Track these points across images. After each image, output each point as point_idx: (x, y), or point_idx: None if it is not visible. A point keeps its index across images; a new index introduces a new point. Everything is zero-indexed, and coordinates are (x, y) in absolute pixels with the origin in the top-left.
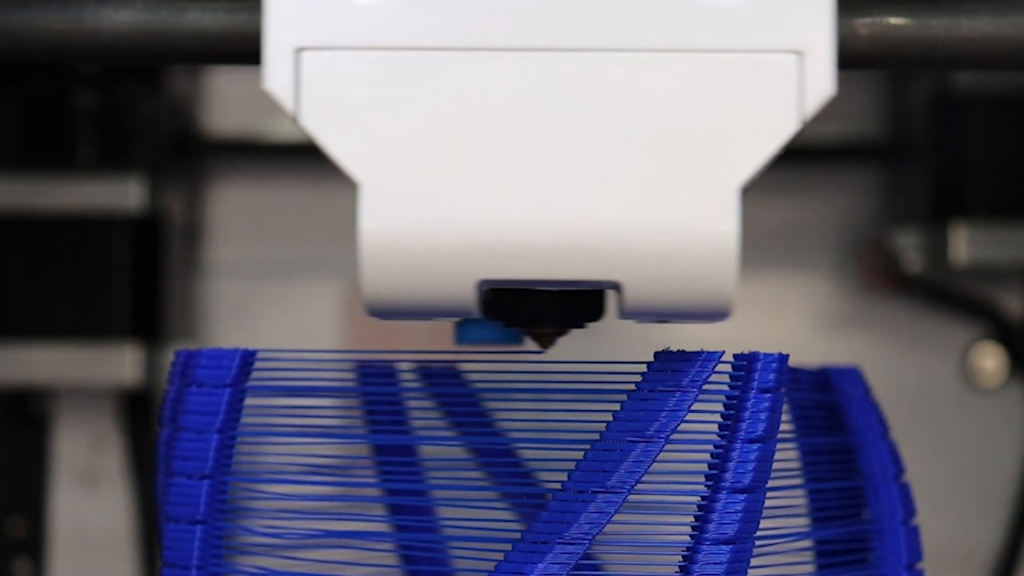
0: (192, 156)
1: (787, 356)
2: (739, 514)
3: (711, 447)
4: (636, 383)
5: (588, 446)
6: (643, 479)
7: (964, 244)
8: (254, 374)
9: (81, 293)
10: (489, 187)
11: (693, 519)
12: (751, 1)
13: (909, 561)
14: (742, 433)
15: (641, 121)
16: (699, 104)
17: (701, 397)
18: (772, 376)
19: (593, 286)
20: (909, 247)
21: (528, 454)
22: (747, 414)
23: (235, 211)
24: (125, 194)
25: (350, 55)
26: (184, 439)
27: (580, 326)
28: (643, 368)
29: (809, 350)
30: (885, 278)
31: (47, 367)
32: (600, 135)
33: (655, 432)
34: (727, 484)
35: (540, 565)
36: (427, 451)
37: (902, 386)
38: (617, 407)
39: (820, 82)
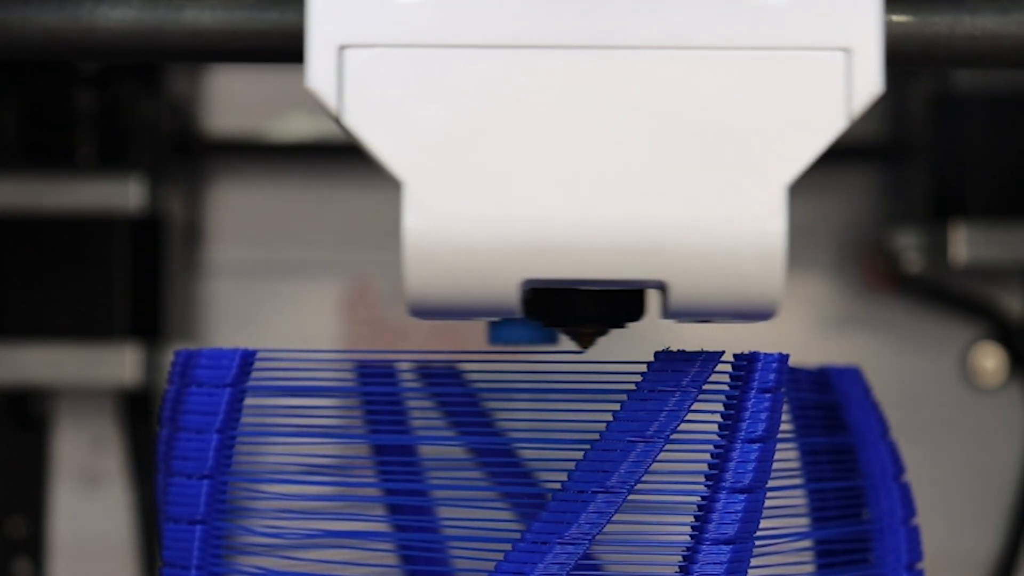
0: (192, 156)
1: (787, 356)
2: (739, 514)
3: (711, 447)
4: (636, 383)
5: (588, 446)
6: (643, 479)
7: (964, 244)
8: (254, 374)
9: (81, 293)
10: (534, 186)
11: (693, 519)
12: None
13: (909, 561)
14: (742, 433)
15: (688, 119)
16: (746, 102)
17: (701, 397)
18: (772, 376)
19: (638, 286)
20: (909, 247)
21: (528, 454)
22: (747, 414)
23: (235, 211)
24: (125, 194)
25: (394, 52)
26: (184, 439)
27: (620, 326)
28: (643, 368)
29: (809, 350)
30: (885, 278)
31: (47, 367)
32: (646, 133)
33: (655, 432)
34: (727, 484)
35: (540, 565)
36: (427, 451)
37: (902, 386)
38: (617, 407)
39: (868, 80)
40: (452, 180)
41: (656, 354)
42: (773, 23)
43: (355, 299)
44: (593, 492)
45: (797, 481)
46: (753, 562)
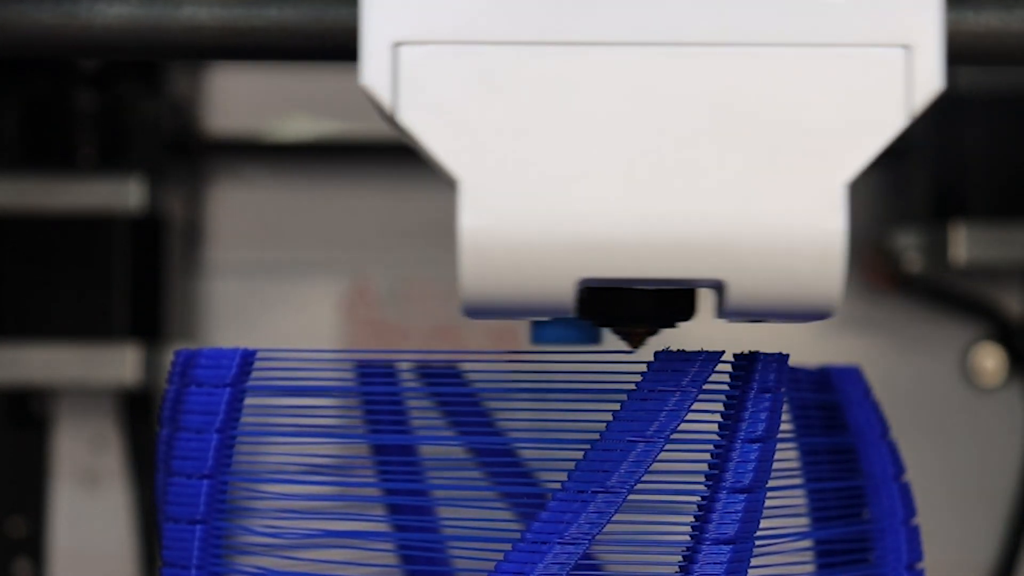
0: (192, 156)
1: (787, 356)
2: (739, 514)
3: (711, 447)
4: (636, 383)
5: (588, 446)
6: (643, 479)
7: (964, 244)
8: (254, 374)
9: (81, 293)
10: (592, 184)
11: (693, 519)
12: None
13: (909, 561)
14: (742, 433)
15: (747, 116)
16: (805, 99)
17: (701, 397)
18: (772, 376)
19: (695, 285)
20: (909, 247)
21: (528, 454)
22: (747, 414)
23: (235, 211)
24: (125, 194)
25: (450, 49)
26: (184, 439)
27: (672, 326)
28: (643, 368)
29: (809, 350)
30: (885, 278)
31: (47, 367)
32: (704, 131)
33: (655, 432)
34: (727, 484)
35: (540, 565)
36: (427, 451)
37: (902, 386)
38: (617, 407)
39: (928, 77)
40: (508, 178)
41: (656, 354)
42: (833, 20)
43: (355, 299)
44: (593, 492)
45: (797, 481)
46: (753, 562)
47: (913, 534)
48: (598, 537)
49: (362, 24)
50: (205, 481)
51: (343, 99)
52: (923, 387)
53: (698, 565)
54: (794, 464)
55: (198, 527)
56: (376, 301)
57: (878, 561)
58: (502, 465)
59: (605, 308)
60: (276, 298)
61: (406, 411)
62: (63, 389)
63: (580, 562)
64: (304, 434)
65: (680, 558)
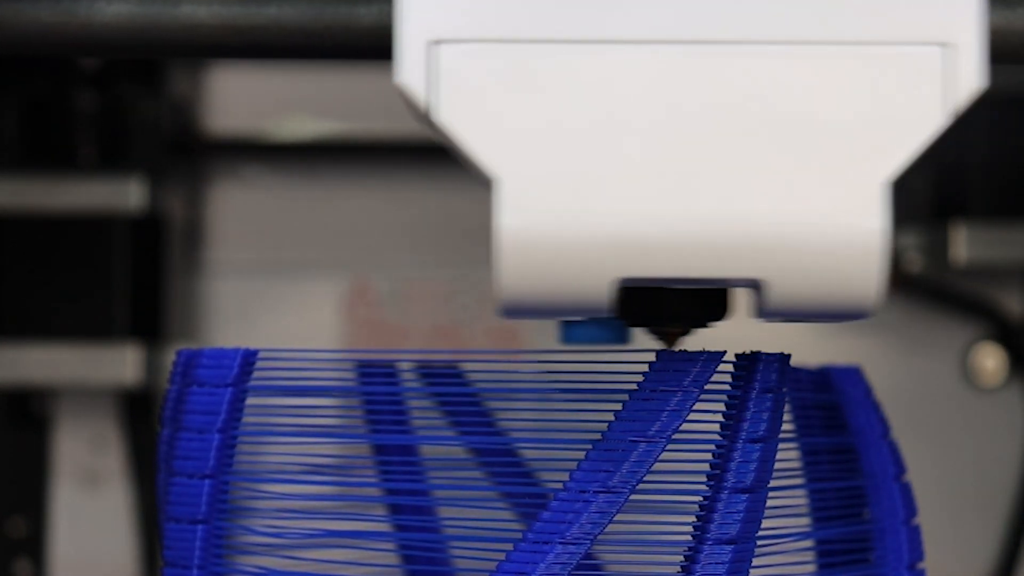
0: (192, 156)
1: (788, 356)
2: (741, 514)
3: (713, 447)
4: (638, 382)
5: (590, 446)
6: (645, 479)
7: (964, 244)
8: (255, 374)
9: (81, 293)
10: (630, 183)
11: (695, 519)
12: None
13: (910, 561)
14: (744, 433)
15: (785, 115)
16: (843, 98)
17: (703, 397)
18: (774, 376)
19: (734, 284)
20: (909, 247)
21: (529, 454)
22: (749, 414)
23: (235, 211)
24: (125, 194)
25: (487, 48)
26: (185, 439)
27: (706, 326)
28: (645, 368)
29: (809, 350)
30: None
31: (47, 367)
32: (743, 129)
33: (657, 432)
34: (729, 484)
35: (541, 565)
36: (428, 451)
37: (902, 386)
38: (619, 407)
39: (969, 75)
40: (546, 177)
41: (658, 354)
42: (870, 18)
43: (355, 299)
44: (595, 492)
45: (798, 481)
46: (755, 562)
47: (914, 534)
48: (600, 537)
49: (398, 22)
50: (207, 481)
51: (343, 99)
52: (923, 387)
53: (700, 565)
54: (795, 464)
55: (199, 527)
56: (376, 301)
57: (879, 561)
58: (503, 465)
59: (640, 308)
60: (276, 298)
61: (407, 411)
62: (63, 389)
63: (582, 562)
64: (305, 434)
65: (682, 558)
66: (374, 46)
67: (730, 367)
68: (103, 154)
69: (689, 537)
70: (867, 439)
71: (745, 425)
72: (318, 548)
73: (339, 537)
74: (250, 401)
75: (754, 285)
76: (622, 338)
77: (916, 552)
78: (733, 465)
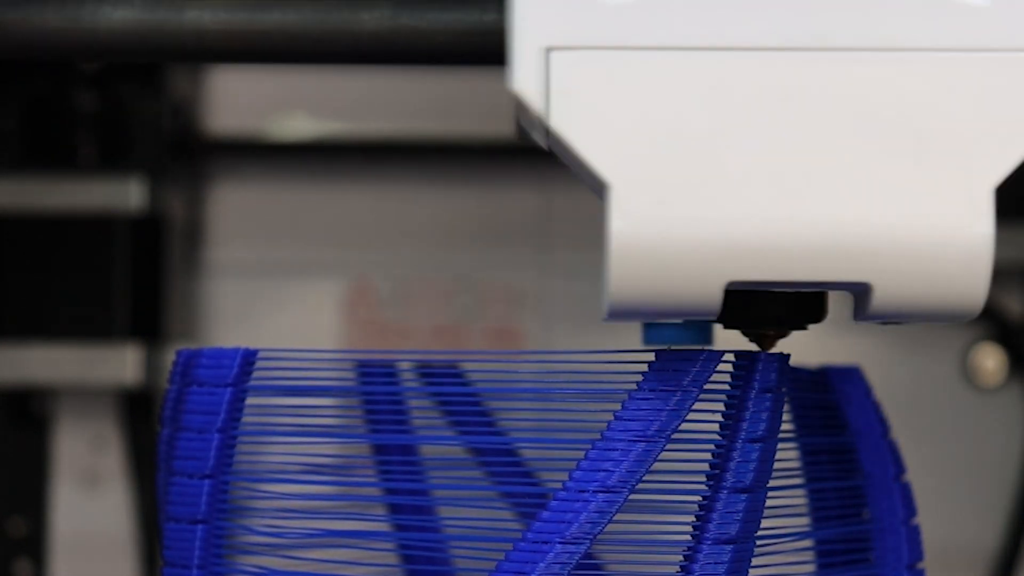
0: (192, 156)
1: (788, 356)
2: (740, 514)
3: (712, 447)
4: (638, 382)
5: (589, 445)
6: (644, 479)
7: None
8: (255, 374)
9: (81, 293)
10: (740, 188)
11: (694, 519)
12: (1003, 0)
13: (910, 561)
14: (743, 433)
15: (893, 121)
16: (951, 103)
17: (702, 397)
18: (773, 376)
19: (841, 288)
20: None
21: (529, 454)
22: (748, 414)
23: (235, 211)
24: (126, 194)
25: (601, 55)
26: (185, 439)
27: (803, 327)
28: (645, 367)
29: (809, 350)
30: None
31: (48, 367)
32: (852, 135)
33: (656, 431)
34: (728, 484)
35: (541, 565)
36: (427, 451)
37: (902, 386)
38: (618, 406)
39: None
40: (658, 183)
41: (657, 353)
42: (977, 25)
43: (355, 299)
44: (594, 492)
45: (797, 481)
46: (754, 562)
47: (913, 534)
48: (599, 537)
49: (513, 29)
50: (206, 481)
51: (343, 99)
52: (923, 387)
53: (699, 565)
54: (794, 464)
55: (199, 527)
56: (376, 301)
57: (878, 561)
58: (503, 465)
59: (740, 311)
60: (276, 298)
61: (407, 411)
62: (63, 389)
63: (581, 562)
64: (305, 434)
65: (681, 558)
66: (377, 51)
67: (729, 367)
68: (103, 154)
69: (688, 537)
70: (867, 439)
71: (744, 425)
72: (318, 548)
73: (339, 537)
74: (250, 401)
75: (861, 288)
76: (706, 339)
77: (915, 552)
78: (732, 465)
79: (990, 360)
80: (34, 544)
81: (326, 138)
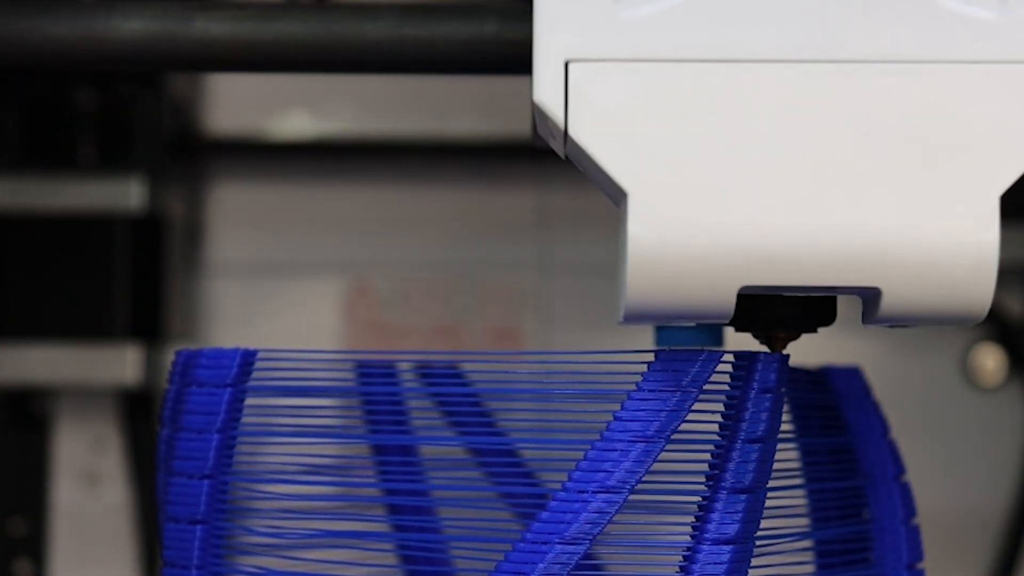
0: (192, 156)
1: (787, 356)
2: (740, 514)
3: (712, 447)
4: (637, 383)
5: (589, 446)
6: (644, 479)
7: None
8: (254, 374)
9: (81, 293)
10: (754, 196)
11: (694, 519)
12: (1010, 13)
13: (909, 560)
14: (743, 433)
15: (903, 131)
16: (959, 114)
17: (702, 397)
18: (773, 376)
19: (852, 292)
20: None
21: (528, 454)
22: (748, 414)
23: (235, 211)
24: (126, 194)
25: (619, 67)
26: (184, 439)
27: (813, 330)
28: (644, 368)
29: (809, 350)
30: None
31: (48, 367)
32: (862, 144)
33: (656, 432)
34: (728, 484)
35: (540, 565)
36: (427, 451)
37: (902, 386)
38: (618, 407)
39: None
40: (675, 190)
41: (657, 353)
42: (984, 37)
43: (355, 299)
44: (594, 492)
45: (797, 481)
46: (753, 562)
47: (913, 534)
48: (599, 537)
49: (535, 42)
50: (206, 481)
51: (343, 99)
52: (923, 387)
53: (698, 565)
54: (794, 464)
55: (199, 527)
56: (376, 301)
57: (878, 561)
58: (502, 465)
59: (753, 314)
60: (276, 298)
61: (406, 411)
62: (63, 389)
63: (581, 562)
64: (304, 434)
65: (680, 558)
66: (381, 60)
67: (729, 367)
68: (103, 154)
69: (688, 537)
70: (866, 439)
71: (744, 425)
72: (317, 548)
73: (338, 537)
74: (249, 401)
75: (870, 293)
76: (717, 341)
77: (915, 552)
78: (732, 465)
79: (990, 360)
80: (34, 544)
81: (326, 138)
